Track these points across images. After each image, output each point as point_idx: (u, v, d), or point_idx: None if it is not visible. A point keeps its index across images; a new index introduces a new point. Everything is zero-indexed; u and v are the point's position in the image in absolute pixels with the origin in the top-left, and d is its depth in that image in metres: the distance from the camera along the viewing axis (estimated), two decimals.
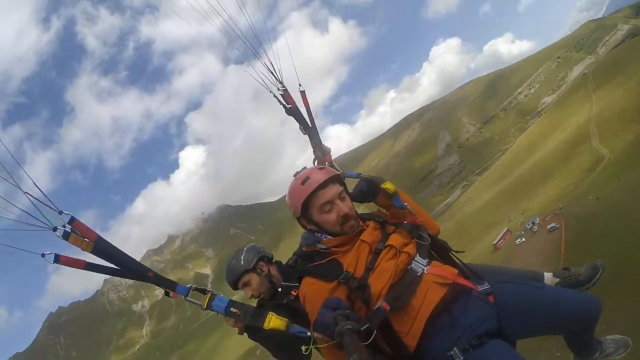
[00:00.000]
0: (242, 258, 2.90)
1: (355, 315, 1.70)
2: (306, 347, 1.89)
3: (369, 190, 2.33)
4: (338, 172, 2.24)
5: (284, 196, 2.30)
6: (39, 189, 2.00)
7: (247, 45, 2.99)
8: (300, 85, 3.09)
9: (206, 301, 2.15)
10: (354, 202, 2.24)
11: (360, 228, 2.14)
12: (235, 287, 2.90)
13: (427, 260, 2.01)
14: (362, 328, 1.67)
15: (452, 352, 1.72)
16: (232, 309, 2.15)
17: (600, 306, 1.92)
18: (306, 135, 2.93)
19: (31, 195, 1.97)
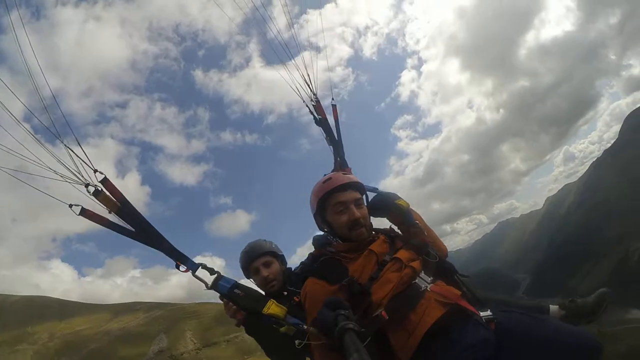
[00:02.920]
0: (268, 242, 2.94)
1: (355, 317, 1.69)
2: (299, 341, 1.90)
3: (382, 204, 2.40)
4: (359, 182, 2.32)
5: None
6: (82, 147, 2.16)
7: (288, 54, 3.20)
8: (332, 99, 3.26)
9: (213, 280, 2.20)
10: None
11: (371, 239, 2.19)
12: (252, 262, 2.84)
13: (432, 278, 2.03)
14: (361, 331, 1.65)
15: None
16: (236, 290, 2.20)
17: (600, 351, 1.84)
18: (331, 147, 3.07)
19: (72, 151, 2.12)
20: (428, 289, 1.94)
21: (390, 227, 2.41)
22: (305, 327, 1.97)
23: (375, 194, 2.48)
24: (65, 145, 2.10)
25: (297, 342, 1.91)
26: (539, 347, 1.80)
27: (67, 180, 2.08)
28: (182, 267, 2.23)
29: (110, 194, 2.15)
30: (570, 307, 2.51)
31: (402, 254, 2.07)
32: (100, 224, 2.14)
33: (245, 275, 2.93)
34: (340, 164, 2.97)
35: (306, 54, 3.24)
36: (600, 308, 2.45)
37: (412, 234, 2.28)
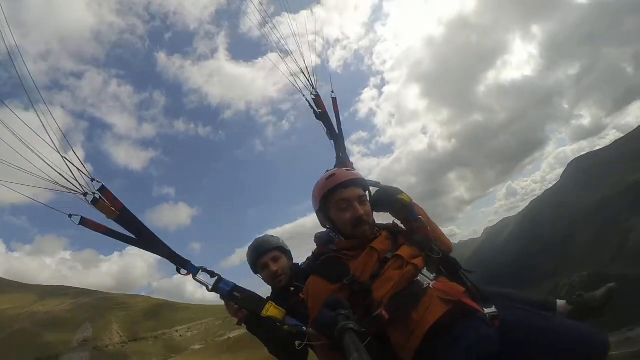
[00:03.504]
0: (276, 237, 2.96)
1: (355, 317, 1.67)
2: (299, 342, 1.90)
3: (384, 199, 2.31)
4: (362, 178, 2.29)
5: None
6: (78, 157, 2.19)
7: (287, 49, 3.16)
8: (332, 92, 3.18)
9: (214, 283, 2.24)
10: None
11: (373, 236, 2.15)
12: (261, 257, 2.85)
13: (435, 275, 1.98)
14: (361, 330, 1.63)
15: None
16: (235, 293, 2.22)
17: (607, 344, 1.80)
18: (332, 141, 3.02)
19: (69, 161, 2.15)
20: (430, 286, 1.90)
21: (393, 222, 2.35)
22: (305, 328, 1.96)
23: (378, 188, 2.41)
24: (62, 156, 2.12)
25: (297, 343, 1.91)
26: (543, 344, 1.75)
27: (68, 190, 2.11)
28: (183, 271, 2.26)
29: (109, 201, 2.17)
30: (578, 302, 2.45)
31: (404, 251, 2.02)
32: (100, 232, 2.17)
33: (252, 270, 2.94)
34: (342, 159, 2.92)
35: (304, 47, 3.16)
36: (608, 303, 2.40)
37: (415, 229, 2.21)
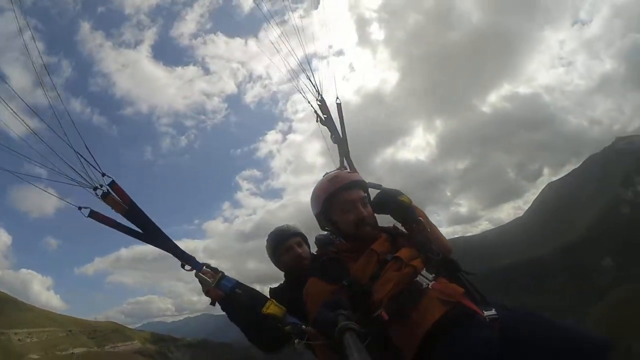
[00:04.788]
0: (296, 226, 3.01)
1: (354, 317, 1.67)
2: (299, 340, 1.93)
3: (384, 201, 2.34)
4: (363, 180, 2.32)
5: None
6: (89, 151, 2.26)
7: (293, 55, 3.24)
8: (337, 97, 3.26)
9: (217, 279, 2.26)
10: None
11: (374, 238, 2.16)
12: (286, 240, 2.87)
13: (434, 276, 1.98)
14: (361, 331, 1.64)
15: None
16: (237, 290, 2.24)
17: (609, 346, 1.77)
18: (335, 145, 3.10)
19: (81, 156, 2.22)
20: (430, 286, 1.91)
21: (394, 225, 2.37)
22: (304, 326, 1.98)
23: (378, 191, 2.43)
24: (75, 150, 2.19)
25: (296, 341, 1.93)
26: (545, 347, 1.73)
27: (79, 184, 2.19)
28: (187, 267, 2.31)
29: (118, 196, 2.23)
30: None
31: (403, 253, 2.04)
32: (108, 225, 2.24)
33: (273, 254, 2.93)
34: (346, 163, 2.98)
35: (311, 54, 3.27)
36: None
37: (415, 231, 2.23)
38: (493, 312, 1.88)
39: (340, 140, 3.09)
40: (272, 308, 2.14)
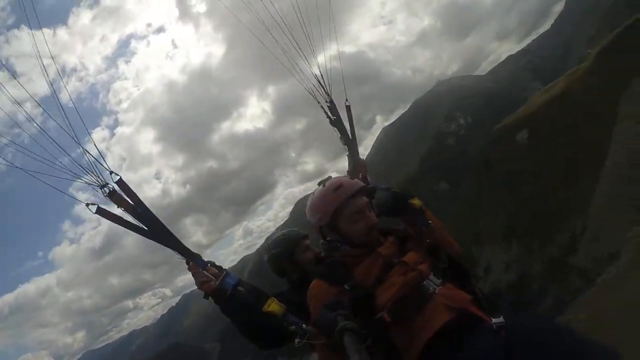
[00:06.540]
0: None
1: (355, 318, 1.68)
2: (299, 340, 1.93)
3: (396, 204, 2.28)
4: (367, 185, 2.31)
5: None
6: (98, 149, 2.32)
7: (302, 56, 3.20)
8: (347, 100, 3.25)
9: (221, 277, 2.26)
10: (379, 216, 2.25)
11: (380, 241, 2.15)
12: (304, 239, 2.84)
13: (442, 281, 1.97)
14: (362, 331, 1.63)
15: None
16: (239, 287, 2.23)
17: (618, 357, 1.68)
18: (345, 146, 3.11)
19: (89, 154, 2.25)
20: (436, 291, 1.89)
21: (404, 227, 2.32)
22: (304, 326, 1.99)
23: (387, 193, 2.34)
24: (84, 148, 2.23)
25: (296, 340, 1.93)
26: (553, 355, 1.67)
27: (86, 181, 2.22)
28: (192, 264, 2.29)
29: (125, 194, 2.26)
30: None
31: (410, 257, 2.03)
32: (115, 222, 2.26)
33: (288, 252, 2.81)
34: (357, 164, 2.97)
35: (319, 56, 3.24)
36: None
37: (424, 234, 2.19)
38: (501, 319, 1.84)
39: (349, 141, 3.10)
40: (273, 306, 2.14)
